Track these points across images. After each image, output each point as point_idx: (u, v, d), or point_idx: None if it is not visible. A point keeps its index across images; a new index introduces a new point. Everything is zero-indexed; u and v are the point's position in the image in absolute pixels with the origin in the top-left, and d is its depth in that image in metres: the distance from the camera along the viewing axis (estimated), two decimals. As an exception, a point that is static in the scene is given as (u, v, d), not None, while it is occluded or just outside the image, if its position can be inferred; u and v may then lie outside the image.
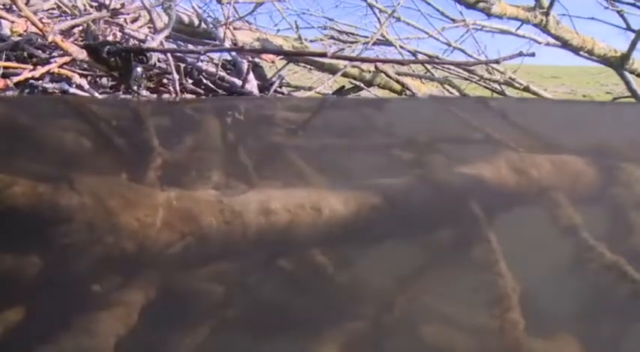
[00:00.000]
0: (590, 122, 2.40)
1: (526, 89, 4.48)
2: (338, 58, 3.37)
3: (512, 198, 2.13)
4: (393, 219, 1.93)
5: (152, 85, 2.52)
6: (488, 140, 2.29)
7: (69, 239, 1.55)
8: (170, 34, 2.70)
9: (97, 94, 2.22)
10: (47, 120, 1.97)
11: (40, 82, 2.17)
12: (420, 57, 4.38)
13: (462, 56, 4.65)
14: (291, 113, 2.24)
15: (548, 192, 2.13)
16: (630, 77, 4.49)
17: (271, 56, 2.96)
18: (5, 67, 2.12)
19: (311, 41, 4.78)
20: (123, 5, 2.94)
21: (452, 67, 4.39)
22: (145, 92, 2.17)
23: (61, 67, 2.15)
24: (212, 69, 2.67)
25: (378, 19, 4.49)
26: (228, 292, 1.77)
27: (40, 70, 2.07)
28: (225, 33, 3.13)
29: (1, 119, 1.92)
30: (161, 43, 2.41)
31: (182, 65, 2.52)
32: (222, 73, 2.66)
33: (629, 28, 4.66)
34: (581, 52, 4.37)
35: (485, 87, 4.62)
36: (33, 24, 1.91)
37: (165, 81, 2.58)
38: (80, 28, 2.69)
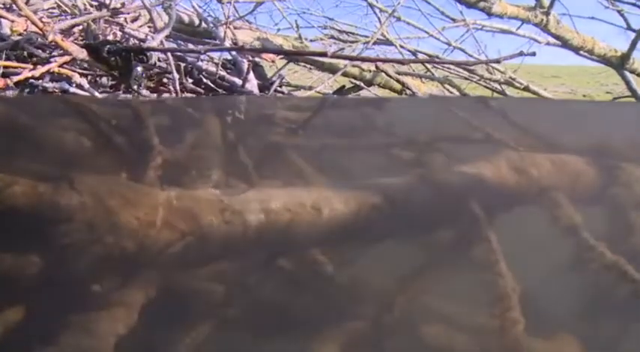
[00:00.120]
0: (590, 122, 2.40)
1: (526, 89, 4.47)
2: (338, 57, 3.37)
3: (513, 198, 2.13)
4: (393, 218, 1.93)
5: (152, 85, 2.52)
6: (488, 139, 2.29)
7: (69, 238, 1.55)
8: (170, 34, 2.70)
9: (97, 94, 2.22)
10: (47, 119, 1.97)
11: (40, 81, 2.17)
12: (421, 56, 4.38)
13: (462, 56, 4.64)
14: (292, 112, 2.24)
15: (548, 192, 2.13)
16: (630, 77, 4.48)
17: (271, 55, 2.96)
18: (5, 67, 2.11)
19: (311, 41, 4.78)
20: (123, 4, 2.94)
21: (452, 66, 4.38)
22: (145, 91, 2.17)
23: (61, 66, 2.15)
24: (212, 68, 2.67)
25: (379, 18, 4.49)
26: (229, 291, 1.77)
27: (40, 70, 2.07)
28: (225, 32, 3.13)
29: (2, 119, 1.92)
30: (161, 42, 2.41)
31: (182, 64, 2.52)
32: (223, 73, 2.66)
33: (629, 28, 4.66)
34: (582, 52, 4.36)
35: (485, 86, 4.62)
36: (33, 23, 1.91)
37: (165, 80, 2.58)
38: (80, 27, 2.69)
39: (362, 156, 2.21)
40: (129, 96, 2.14)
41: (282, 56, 3.41)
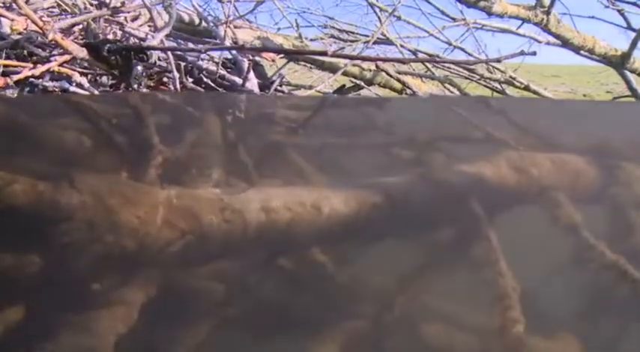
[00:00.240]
0: (590, 121, 2.40)
1: (526, 88, 4.47)
2: (339, 56, 3.37)
3: (513, 197, 2.13)
4: (393, 217, 1.93)
5: (152, 84, 2.52)
6: (488, 139, 2.29)
7: (69, 237, 1.55)
8: (170, 33, 2.70)
9: (97, 93, 2.22)
10: (47, 118, 1.97)
11: (40, 80, 2.17)
12: (421, 56, 4.37)
13: (462, 55, 4.64)
14: (292, 111, 2.24)
15: (548, 191, 2.13)
16: (631, 76, 4.48)
17: (272, 55, 2.96)
18: (5, 66, 2.11)
19: (311, 40, 4.78)
20: (123, 4, 2.94)
21: (452, 66, 4.38)
22: (145, 91, 2.17)
23: (61, 65, 2.15)
24: (212, 67, 2.67)
25: (379, 17, 4.49)
26: (229, 291, 1.77)
27: (40, 69, 2.07)
28: (225, 31, 3.13)
29: (2, 117, 1.92)
30: (161, 41, 2.41)
31: (182, 64, 2.52)
32: (223, 72, 2.66)
33: (629, 27, 4.66)
34: (582, 51, 4.36)
35: (485, 86, 4.61)
36: (33, 22, 1.91)
37: (165, 79, 2.58)
38: (80, 26, 2.69)
39: (362, 156, 2.21)
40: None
41: (282, 55, 3.41)
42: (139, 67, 2.12)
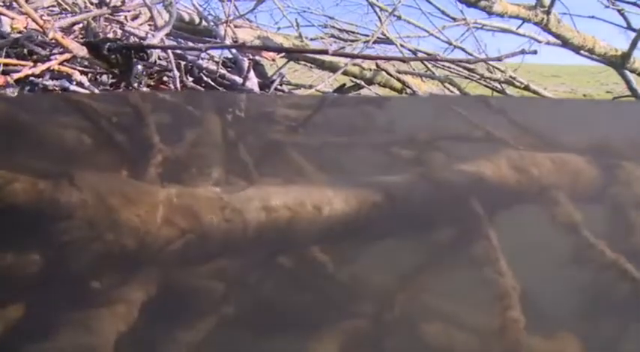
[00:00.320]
0: (590, 121, 2.40)
1: (526, 88, 4.47)
2: (339, 55, 3.37)
3: (513, 196, 2.13)
4: (393, 216, 1.93)
5: (152, 83, 2.52)
6: (488, 138, 2.29)
7: (69, 236, 1.55)
8: (171, 32, 2.70)
9: (97, 92, 2.22)
10: (47, 117, 1.97)
11: (41, 79, 2.17)
12: (421, 56, 4.37)
13: (462, 55, 4.63)
14: (292, 110, 2.24)
15: (548, 191, 2.13)
16: (631, 76, 4.48)
17: (272, 54, 2.95)
18: (5, 64, 2.11)
19: (311, 39, 4.78)
20: (123, 2, 2.94)
21: (452, 65, 4.38)
22: (145, 89, 2.17)
23: (61, 64, 2.15)
24: (213, 67, 2.67)
25: (379, 17, 4.48)
26: (229, 289, 1.77)
27: (41, 67, 2.07)
28: (225, 31, 3.13)
29: (2, 116, 1.92)
30: (162, 40, 2.41)
31: (182, 63, 2.52)
32: (223, 71, 2.66)
33: (629, 27, 4.66)
34: (582, 51, 4.36)
35: (485, 86, 4.61)
36: (33, 21, 1.91)
37: (165, 78, 2.57)
38: (80, 25, 2.69)
39: (362, 155, 2.21)
40: (129, 94, 2.14)
41: (282, 54, 3.41)
42: (139, 66, 2.12)
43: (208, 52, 2.73)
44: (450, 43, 4.64)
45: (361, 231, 1.89)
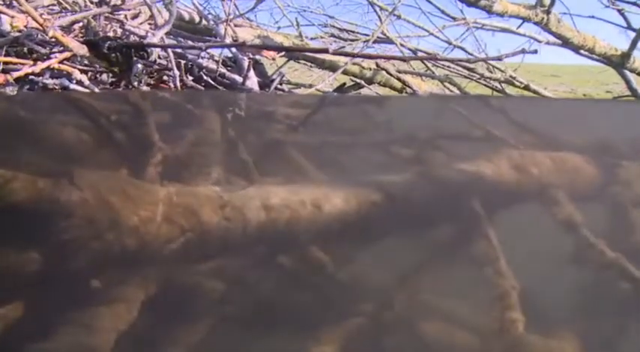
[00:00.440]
0: (590, 120, 2.40)
1: (526, 88, 4.47)
2: (339, 54, 3.37)
3: (512, 196, 2.13)
4: (393, 215, 1.93)
5: (152, 82, 2.51)
6: (488, 137, 2.29)
7: (69, 234, 1.55)
8: (171, 31, 2.70)
9: (97, 90, 2.22)
10: (47, 115, 1.97)
11: (41, 77, 2.17)
12: (421, 55, 4.37)
13: (462, 54, 4.64)
14: (292, 109, 2.24)
15: (548, 190, 2.13)
16: (631, 76, 4.49)
17: (272, 53, 2.95)
18: (5, 63, 2.11)
19: (311, 39, 4.78)
20: (123, 1, 2.94)
21: (452, 65, 4.37)
22: (145, 88, 2.16)
23: (61, 62, 2.15)
24: (213, 66, 2.66)
25: (379, 16, 4.48)
26: (229, 288, 1.77)
27: (40, 66, 2.07)
28: (225, 30, 3.13)
29: (2, 115, 1.92)
30: (162, 39, 2.41)
31: (183, 62, 2.52)
32: (223, 70, 2.66)
33: (629, 27, 4.66)
34: (582, 51, 4.37)
35: (485, 85, 4.61)
36: (33, 19, 1.91)
37: (165, 77, 2.57)
38: (80, 23, 2.69)
39: (362, 154, 2.21)
40: (129, 93, 2.14)
41: (282, 54, 3.40)
42: (139, 65, 2.12)
43: (208, 51, 2.74)
44: (450, 43, 4.64)
45: (361, 230, 1.89)
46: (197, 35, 3.32)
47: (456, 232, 2.07)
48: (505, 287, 1.83)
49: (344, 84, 3.65)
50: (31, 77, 2.14)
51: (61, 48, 2.15)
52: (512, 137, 2.24)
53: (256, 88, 2.53)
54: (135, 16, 3.10)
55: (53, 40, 2.08)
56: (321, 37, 5.04)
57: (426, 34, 4.62)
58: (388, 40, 4.51)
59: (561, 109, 2.81)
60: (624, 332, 1.91)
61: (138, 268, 1.64)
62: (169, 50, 2.44)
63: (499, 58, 2.96)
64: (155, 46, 2.21)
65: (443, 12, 4.65)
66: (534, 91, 4.45)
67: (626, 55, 4.32)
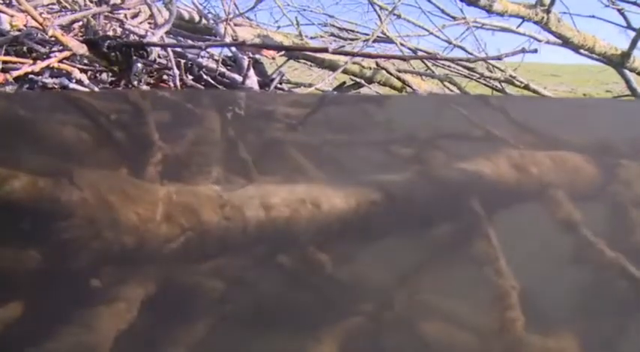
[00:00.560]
0: (590, 119, 2.40)
1: (526, 87, 4.47)
2: (339, 53, 3.37)
3: (512, 195, 2.13)
4: (392, 215, 1.93)
5: (152, 81, 2.51)
6: (488, 137, 2.29)
7: (69, 234, 1.55)
8: (170, 30, 2.70)
9: (96, 90, 2.21)
10: (47, 114, 1.96)
11: (40, 77, 2.17)
12: (421, 54, 4.37)
13: (462, 54, 4.64)
14: (292, 109, 2.23)
15: (548, 189, 2.13)
16: (630, 75, 4.49)
17: (272, 52, 2.95)
18: (4, 62, 2.11)
19: (311, 38, 4.78)
20: (123, 0, 2.93)
21: (452, 64, 4.37)
22: (145, 88, 2.16)
23: (60, 61, 2.15)
24: (212, 65, 2.66)
25: (379, 16, 4.48)
26: (228, 288, 1.77)
27: (40, 65, 2.06)
28: (225, 29, 3.13)
29: (1, 113, 1.92)
30: (161, 38, 2.41)
31: (182, 61, 2.52)
32: (223, 69, 2.66)
33: (629, 27, 4.66)
34: (582, 50, 4.37)
35: (485, 85, 4.61)
36: (33, 18, 1.90)
37: (165, 77, 2.57)
38: (80, 23, 2.69)
39: (362, 153, 2.21)
40: (129, 92, 2.14)
41: (282, 53, 3.40)
42: (139, 64, 2.12)
43: (208, 50, 2.73)
44: (450, 42, 4.64)
45: (360, 229, 1.89)
46: (197, 34, 3.32)
47: (456, 232, 2.07)
48: (505, 287, 1.84)
49: (344, 83, 3.65)
50: (30, 76, 2.13)
51: (61, 47, 2.15)
52: (512, 136, 2.24)
53: (256, 87, 2.53)
54: (135, 16, 3.10)
55: (53, 39, 2.08)
56: (321, 37, 5.04)
57: (425, 34, 4.62)
58: (388, 40, 4.51)
59: (561, 109, 2.81)
60: (624, 332, 1.91)
61: (138, 267, 1.64)
62: (169, 49, 2.44)
63: (499, 58, 2.96)
64: (155, 45, 2.21)
65: (443, 11, 4.65)
66: (534, 91, 4.45)
67: (626, 55, 4.33)
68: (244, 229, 1.69)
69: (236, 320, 1.77)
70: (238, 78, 2.58)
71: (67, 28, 2.59)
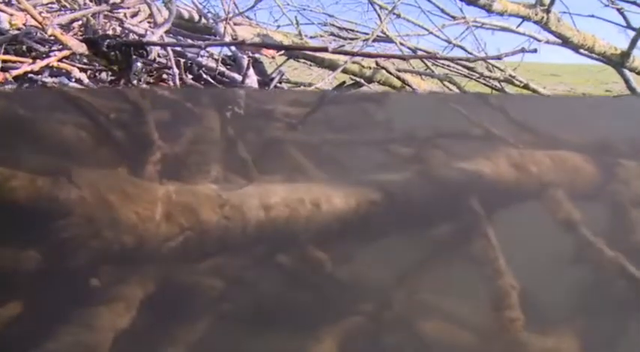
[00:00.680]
0: (589, 118, 2.40)
1: (526, 87, 4.47)
2: (339, 52, 3.36)
3: (512, 194, 2.13)
4: (392, 214, 1.93)
5: (152, 80, 2.51)
6: (487, 136, 2.29)
7: (68, 233, 1.55)
8: (170, 29, 2.69)
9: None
10: (46, 113, 1.96)
11: (40, 76, 2.16)
12: (420, 54, 4.37)
13: (462, 53, 4.64)
14: (291, 108, 2.23)
15: (547, 189, 2.13)
16: (630, 75, 4.49)
17: (272, 51, 2.95)
18: (4, 61, 2.10)
19: (311, 37, 4.77)
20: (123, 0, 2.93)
21: (452, 64, 4.37)
22: (144, 87, 2.16)
23: (60, 60, 2.14)
24: (212, 64, 2.66)
25: (379, 15, 4.47)
26: (228, 287, 1.77)
27: (40, 64, 2.06)
28: (225, 28, 3.12)
29: (1, 112, 1.92)
30: (161, 37, 2.40)
31: (182, 60, 2.52)
32: (223, 69, 2.65)
33: (629, 26, 4.66)
34: (582, 50, 4.37)
35: (485, 84, 4.61)
36: (32, 17, 1.90)
37: (165, 76, 2.57)
38: (80, 22, 2.69)
39: (361, 152, 2.21)
40: (128, 91, 2.14)
41: (282, 52, 3.40)
42: (139, 63, 2.11)
43: (208, 49, 2.73)
44: (450, 42, 4.64)
45: (360, 228, 1.89)
46: (196, 34, 3.31)
47: (455, 231, 2.07)
48: (504, 287, 1.84)
49: (343, 82, 3.64)
50: (30, 75, 2.13)
51: (60, 46, 2.15)
52: (511, 136, 2.24)
53: (256, 86, 2.53)
54: (134, 15, 3.10)
55: (52, 38, 2.08)
56: (321, 36, 5.04)
57: (425, 33, 4.62)
58: (388, 39, 4.50)
59: (561, 108, 2.81)
60: (623, 331, 1.91)
61: (137, 267, 1.64)
62: (169, 48, 2.43)
63: (499, 57, 2.95)
64: (154, 44, 2.21)
65: (442, 11, 4.65)
66: (534, 90, 4.45)
67: (625, 54, 4.33)
68: (244, 229, 1.69)
69: (235, 320, 1.77)
70: (238, 77, 2.58)
71: (66, 27, 2.58)
